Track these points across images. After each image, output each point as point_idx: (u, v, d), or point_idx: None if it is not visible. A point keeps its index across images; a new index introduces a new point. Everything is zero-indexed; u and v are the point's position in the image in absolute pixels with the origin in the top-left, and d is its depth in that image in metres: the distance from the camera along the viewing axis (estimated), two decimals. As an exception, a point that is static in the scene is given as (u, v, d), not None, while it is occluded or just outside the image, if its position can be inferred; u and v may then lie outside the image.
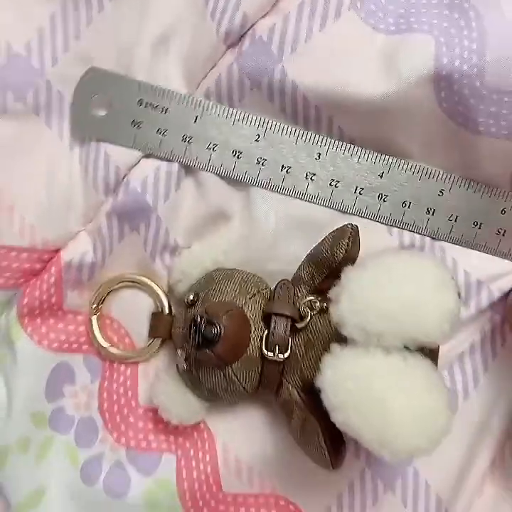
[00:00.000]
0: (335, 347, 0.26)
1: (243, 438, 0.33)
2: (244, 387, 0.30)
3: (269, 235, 0.33)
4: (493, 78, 0.29)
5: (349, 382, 0.25)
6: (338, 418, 0.25)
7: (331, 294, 0.26)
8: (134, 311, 0.34)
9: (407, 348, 0.25)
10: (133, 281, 0.34)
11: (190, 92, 0.33)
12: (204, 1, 0.32)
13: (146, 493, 0.33)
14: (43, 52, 0.32)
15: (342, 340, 0.26)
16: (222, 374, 0.30)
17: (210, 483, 0.33)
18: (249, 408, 0.33)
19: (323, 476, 0.32)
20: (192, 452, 0.33)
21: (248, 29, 0.31)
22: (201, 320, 0.29)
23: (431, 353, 0.26)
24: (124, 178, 0.33)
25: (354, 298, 0.25)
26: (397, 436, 0.24)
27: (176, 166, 0.33)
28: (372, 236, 0.32)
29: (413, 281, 0.25)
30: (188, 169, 0.33)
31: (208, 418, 0.33)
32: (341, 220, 0.31)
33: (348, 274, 0.26)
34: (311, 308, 0.29)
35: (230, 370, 0.30)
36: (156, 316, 0.33)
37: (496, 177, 0.31)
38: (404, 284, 0.25)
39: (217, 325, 0.28)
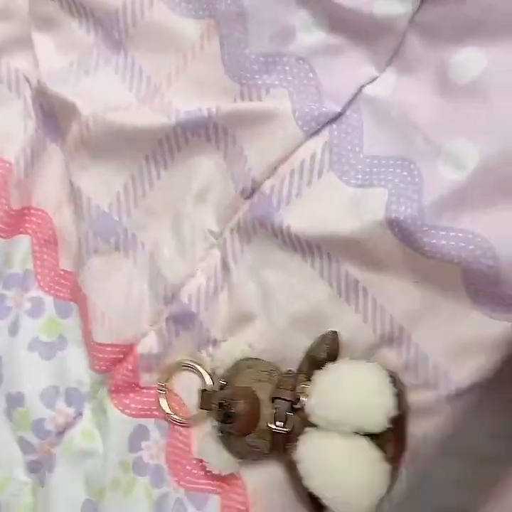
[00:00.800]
0: (310, 429, 0.37)
1: (268, 485, 0.44)
2: (261, 451, 0.41)
3: (281, 332, 0.44)
4: (430, 217, 0.38)
5: (315, 457, 0.35)
6: (308, 482, 0.35)
7: (306, 390, 0.37)
8: (190, 387, 0.47)
9: (357, 433, 0.35)
10: (187, 366, 0.47)
11: (219, 230, 0.45)
12: (227, 167, 0.44)
13: (198, 522, 0.45)
14: (121, 209, 0.46)
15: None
16: (243, 441, 0.41)
17: (245, 518, 0.45)
18: (272, 464, 0.44)
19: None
20: (231, 494, 0.45)
21: (257, 187, 0.43)
22: (224, 403, 0.40)
23: (380, 435, 0.36)
24: (177, 293, 0.46)
25: (318, 396, 0.36)
26: (346, 498, 0.34)
27: (212, 283, 0.45)
28: (356, 334, 0.42)
29: (360, 386, 0.35)
30: (223, 284, 0.45)
31: (242, 469, 0.45)
32: (339, 316, 0.42)
33: (316, 376, 0.37)
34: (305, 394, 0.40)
35: (248, 439, 0.41)
36: (204, 392, 0.46)
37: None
38: (354, 387, 0.35)
39: (234, 407, 0.40)
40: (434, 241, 0.38)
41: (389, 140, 0.40)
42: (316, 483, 0.34)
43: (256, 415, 0.41)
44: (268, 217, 0.42)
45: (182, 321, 0.46)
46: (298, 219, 0.41)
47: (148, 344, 0.47)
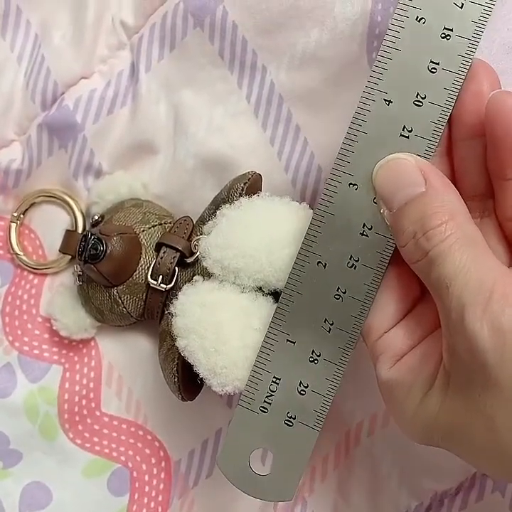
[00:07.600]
0: (198, 278, 0.27)
1: (129, 362, 0.35)
2: (128, 311, 0.31)
3: (187, 175, 0.34)
4: None
5: (197, 309, 0.26)
6: (181, 343, 0.26)
7: (205, 228, 0.27)
8: (51, 225, 0.36)
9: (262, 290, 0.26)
10: (54, 197, 0.35)
11: (137, 24, 0.34)
12: None
13: (27, 398, 0.35)
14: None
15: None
16: (107, 294, 0.31)
17: (91, 399, 0.35)
18: (139, 335, 0.35)
19: (192, 420, 0.34)
20: (78, 366, 0.35)
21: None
22: (91, 237, 0.30)
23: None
24: (61, 95, 0.34)
25: (220, 234, 0.26)
26: (226, 370, 0.25)
27: (112, 91, 0.34)
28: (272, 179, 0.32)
29: (273, 227, 0.26)
30: (126, 98, 0.34)
31: (98, 337, 0.35)
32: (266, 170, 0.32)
33: (223, 210, 0.27)
34: (202, 246, 0.30)
35: (115, 292, 0.31)
36: (69, 234, 0.35)
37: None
38: (266, 227, 0.26)
39: (104, 243, 0.30)
40: None
41: None
42: (192, 343, 0.25)
43: (132, 260, 0.30)
44: (207, 10, 0.32)
45: (60, 132, 0.34)
46: (246, 15, 0.31)
47: (9, 157, 0.35)
